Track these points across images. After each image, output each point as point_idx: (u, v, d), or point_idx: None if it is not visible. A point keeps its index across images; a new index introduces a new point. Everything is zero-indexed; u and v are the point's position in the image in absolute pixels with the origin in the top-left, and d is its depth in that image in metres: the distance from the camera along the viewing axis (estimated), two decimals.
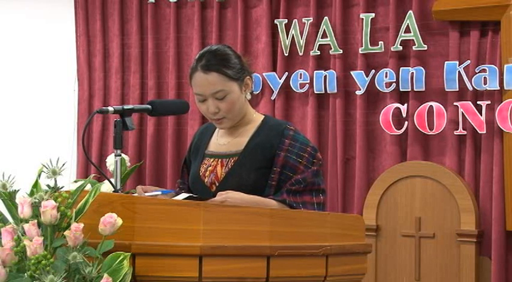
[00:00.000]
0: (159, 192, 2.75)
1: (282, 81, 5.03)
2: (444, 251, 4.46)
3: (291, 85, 5.00)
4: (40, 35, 5.88)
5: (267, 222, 2.34)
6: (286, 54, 5.04)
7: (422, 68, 4.66)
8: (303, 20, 5.00)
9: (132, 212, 2.29)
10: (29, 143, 5.79)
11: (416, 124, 4.64)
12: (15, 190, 2.38)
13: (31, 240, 2.16)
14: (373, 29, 4.81)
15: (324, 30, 4.92)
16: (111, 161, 4.74)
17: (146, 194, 2.73)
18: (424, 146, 4.69)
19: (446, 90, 4.60)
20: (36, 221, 2.21)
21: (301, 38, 4.99)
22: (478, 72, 4.51)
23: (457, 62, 4.56)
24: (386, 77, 4.74)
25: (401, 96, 4.74)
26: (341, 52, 4.89)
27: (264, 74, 5.08)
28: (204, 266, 2.23)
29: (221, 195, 2.62)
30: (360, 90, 4.82)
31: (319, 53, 4.96)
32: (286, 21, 5.04)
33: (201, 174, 2.87)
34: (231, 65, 2.78)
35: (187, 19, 5.44)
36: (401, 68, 4.70)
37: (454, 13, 4.57)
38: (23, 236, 2.21)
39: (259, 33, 5.19)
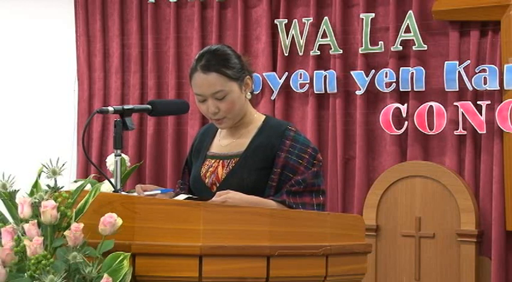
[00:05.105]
0: (158, 191, 2.75)
1: (282, 81, 5.03)
2: (444, 251, 4.46)
3: (291, 85, 5.00)
4: (40, 35, 5.88)
5: (267, 222, 2.34)
6: (286, 54, 5.05)
7: (422, 68, 4.66)
8: (303, 20, 5.00)
9: (132, 212, 2.29)
10: (29, 143, 5.79)
11: (416, 124, 4.64)
12: (15, 190, 2.38)
13: (31, 240, 2.16)
14: (373, 29, 4.81)
15: (324, 30, 4.92)
16: (111, 161, 4.74)
17: (145, 192, 2.73)
18: (424, 146, 4.69)
19: (446, 90, 4.60)
20: (36, 221, 2.21)
21: (301, 38, 4.99)
22: (478, 72, 4.51)
23: (457, 62, 4.56)
24: (386, 77, 4.74)
25: (401, 96, 4.74)
26: (341, 52, 4.90)
27: (264, 74, 5.08)
28: (204, 266, 2.23)
29: (221, 195, 2.62)
30: (360, 90, 4.82)
31: (319, 53, 4.96)
32: (286, 21, 5.04)
33: (202, 174, 2.87)
34: (231, 65, 2.78)
35: (187, 19, 5.44)
36: (401, 68, 4.70)
37: (454, 13, 4.57)
38: (23, 236, 2.21)
39: (259, 33, 5.19)
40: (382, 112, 4.74)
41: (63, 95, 5.80)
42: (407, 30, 4.69)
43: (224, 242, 2.25)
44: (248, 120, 2.88)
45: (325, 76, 4.90)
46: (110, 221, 2.20)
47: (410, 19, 4.67)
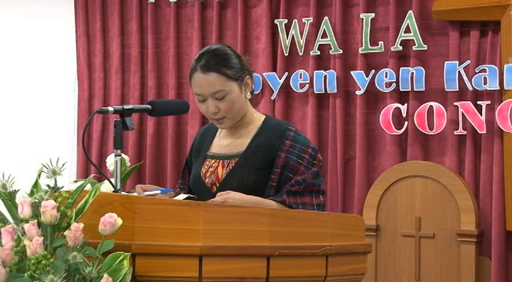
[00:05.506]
0: (158, 191, 2.75)
1: (282, 81, 5.03)
2: (444, 251, 4.46)
3: (291, 85, 5.00)
4: (40, 35, 5.88)
5: (267, 222, 2.34)
6: (286, 54, 5.05)
7: (422, 68, 4.66)
8: (303, 20, 5.00)
9: (132, 212, 2.29)
10: (29, 143, 5.79)
11: (416, 124, 4.64)
12: (15, 190, 2.38)
13: (31, 240, 2.16)
14: (373, 29, 4.81)
15: (324, 30, 4.92)
16: (111, 161, 4.74)
17: (145, 193, 2.73)
18: (424, 146, 4.69)
19: (446, 90, 4.60)
20: (36, 221, 2.21)
21: (301, 38, 4.99)
22: (478, 72, 4.51)
23: (457, 62, 4.56)
24: (386, 77, 4.74)
25: (401, 96, 4.74)
26: (341, 52, 4.90)
27: (264, 74, 5.08)
28: (204, 266, 2.23)
29: (221, 196, 2.62)
30: (360, 90, 4.82)
31: (319, 53, 4.96)
32: (286, 21, 5.04)
33: (202, 175, 2.87)
34: (231, 64, 2.78)
35: (187, 19, 5.44)
36: (401, 68, 4.70)
37: (454, 13, 4.57)
38: (23, 236, 2.21)
39: (259, 33, 5.19)
40: (382, 112, 4.74)
41: (63, 95, 5.80)
42: (407, 30, 4.68)
43: (224, 242, 2.25)
44: (248, 120, 2.88)
45: (325, 76, 4.90)
46: (110, 221, 2.20)
47: (410, 19, 4.67)
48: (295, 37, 5.01)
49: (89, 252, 2.18)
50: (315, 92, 4.95)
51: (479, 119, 4.49)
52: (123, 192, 2.63)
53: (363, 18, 4.82)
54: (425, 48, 4.67)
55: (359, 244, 2.65)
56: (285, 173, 2.75)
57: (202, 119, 5.18)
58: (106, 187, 3.07)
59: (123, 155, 3.09)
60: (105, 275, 2.14)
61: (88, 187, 2.36)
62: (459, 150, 4.60)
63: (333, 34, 4.90)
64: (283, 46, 5.04)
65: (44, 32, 5.88)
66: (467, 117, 4.52)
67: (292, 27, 5.01)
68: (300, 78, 4.98)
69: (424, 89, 4.65)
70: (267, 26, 5.12)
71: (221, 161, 2.85)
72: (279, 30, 5.05)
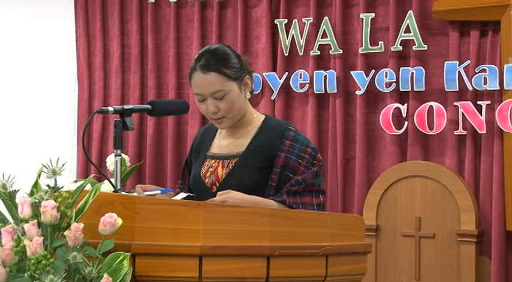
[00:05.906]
0: (158, 191, 2.75)
1: (282, 81, 5.03)
2: (444, 251, 4.46)
3: (291, 85, 5.00)
4: (40, 35, 5.88)
5: (267, 222, 2.34)
6: (286, 54, 5.05)
7: (422, 68, 4.66)
8: (303, 20, 5.00)
9: (132, 212, 2.29)
10: (29, 143, 5.79)
11: (416, 124, 4.64)
12: (15, 190, 2.38)
13: (31, 240, 2.16)
14: (373, 29, 4.81)
15: (324, 30, 4.92)
16: (111, 161, 4.74)
17: (145, 193, 2.73)
18: (424, 146, 4.69)
19: (446, 90, 4.60)
20: (36, 221, 2.21)
21: (301, 38, 4.99)
22: (478, 72, 4.51)
23: (457, 62, 4.56)
24: (386, 77, 4.74)
25: (401, 96, 4.74)
26: (341, 52, 4.90)
27: (264, 74, 5.08)
28: (204, 266, 2.23)
29: (222, 195, 2.62)
30: (360, 90, 4.82)
31: (319, 53, 4.96)
32: (286, 21, 5.04)
33: (201, 175, 2.87)
34: (231, 64, 2.78)
35: (187, 19, 5.44)
36: (401, 68, 4.70)
37: (454, 13, 4.57)
38: (23, 236, 2.21)
39: (259, 33, 5.19)
40: (382, 112, 4.74)
41: (63, 95, 5.80)
42: (407, 30, 4.69)
43: (224, 242, 2.25)
44: (248, 120, 2.88)
45: (325, 76, 4.90)
46: (110, 221, 2.20)
47: (410, 19, 4.67)
48: (295, 37, 5.01)
49: (89, 252, 2.18)
50: (315, 92, 4.95)
51: (479, 119, 4.49)
52: (123, 192, 2.63)
53: (363, 18, 4.82)
54: (425, 48, 4.67)
55: (359, 244, 2.65)
56: (285, 173, 2.75)
57: (202, 119, 5.18)
58: (106, 187, 3.07)
59: (123, 155, 3.09)
60: (105, 275, 2.14)
61: (88, 187, 2.36)
62: (459, 150, 4.60)
63: (333, 34, 4.90)
64: (283, 46, 5.04)
65: (44, 32, 5.88)
66: (467, 117, 4.52)
67: (292, 27, 5.01)
68: (300, 78, 4.98)
69: (424, 89, 4.65)
70: (267, 26, 5.12)
71: (221, 161, 2.85)
72: (279, 30, 5.05)
